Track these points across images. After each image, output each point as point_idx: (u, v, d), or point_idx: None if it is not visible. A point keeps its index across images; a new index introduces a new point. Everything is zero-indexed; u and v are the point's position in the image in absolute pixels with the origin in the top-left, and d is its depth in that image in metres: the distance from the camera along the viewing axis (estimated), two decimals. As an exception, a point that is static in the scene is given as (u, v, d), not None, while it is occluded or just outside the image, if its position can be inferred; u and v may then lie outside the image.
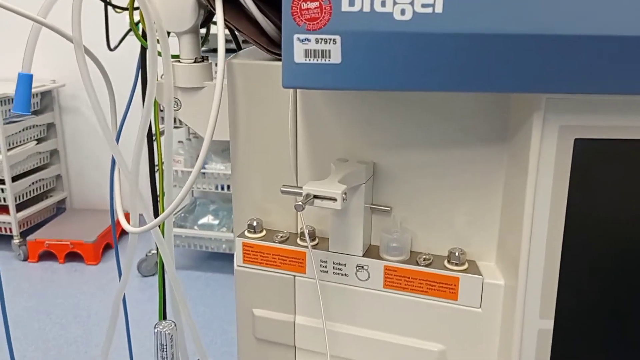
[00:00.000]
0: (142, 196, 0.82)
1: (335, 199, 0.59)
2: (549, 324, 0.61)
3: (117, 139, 0.86)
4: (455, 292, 0.67)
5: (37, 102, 3.32)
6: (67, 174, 3.57)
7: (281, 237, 0.74)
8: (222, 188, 3.00)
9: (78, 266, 3.14)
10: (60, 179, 3.55)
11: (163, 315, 1.02)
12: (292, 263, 0.73)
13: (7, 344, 1.09)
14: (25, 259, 3.16)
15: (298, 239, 0.74)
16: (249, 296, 0.77)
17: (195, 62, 0.77)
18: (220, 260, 3.20)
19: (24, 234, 3.19)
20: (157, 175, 1.05)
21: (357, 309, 0.72)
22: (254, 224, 0.75)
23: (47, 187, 3.46)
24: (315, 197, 0.60)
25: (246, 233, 0.76)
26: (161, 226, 0.87)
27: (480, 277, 0.66)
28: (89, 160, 3.56)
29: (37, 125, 3.32)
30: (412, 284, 0.69)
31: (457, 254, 0.67)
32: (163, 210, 0.86)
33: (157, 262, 3.08)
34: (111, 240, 3.31)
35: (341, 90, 0.68)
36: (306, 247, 0.72)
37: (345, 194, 0.59)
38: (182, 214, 3.21)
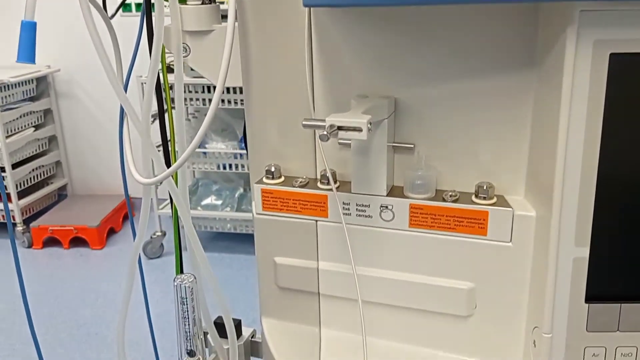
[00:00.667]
0: (153, 146, 0.79)
1: (360, 129, 0.57)
2: (585, 252, 0.59)
3: (125, 89, 0.84)
4: (484, 227, 0.65)
5: (32, 89, 3.28)
6: (66, 160, 3.54)
7: (300, 182, 0.72)
8: (224, 167, 2.97)
9: (83, 251, 3.13)
10: (60, 165, 3.52)
11: (180, 271, 0.99)
12: (314, 207, 0.71)
13: (28, 326, 1.07)
14: (30, 245, 3.14)
15: (318, 183, 0.72)
16: (269, 245, 0.75)
17: (203, 3, 0.74)
18: (226, 240, 3.18)
19: (26, 222, 3.16)
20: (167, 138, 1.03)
21: (383, 251, 0.70)
22: (272, 169, 0.73)
23: (47, 173, 3.44)
24: (340, 128, 0.57)
25: (264, 179, 0.73)
26: (174, 177, 0.84)
27: (511, 209, 0.64)
28: (87, 146, 3.53)
29: (34, 112, 3.29)
30: (438, 221, 0.67)
31: (485, 187, 0.65)
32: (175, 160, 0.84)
33: (161, 244, 3.07)
34: (115, 225, 3.30)
35: (360, 21, 0.65)
36: (329, 189, 0.70)
37: (370, 123, 0.57)
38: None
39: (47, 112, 3.40)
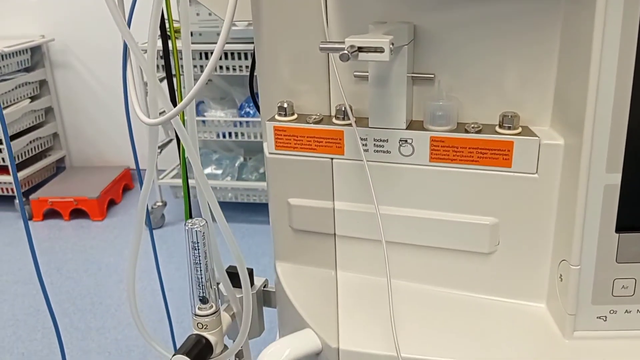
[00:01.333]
0: (159, 86, 0.76)
1: (382, 50, 0.53)
2: (616, 178, 0.57)
3: (129, 23, 0.80)
4: (509, 159, 0.63)
5: (27, 59, 3.22)
6: (63, 132, 3.50)
7: (315, 118, 0.69)
8: (224, 136, 2.93)
9: (84, 222, 3.11)
10: (57, 137, 3.48)
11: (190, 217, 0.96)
12: (329, 144, 0.68)
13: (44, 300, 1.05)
14: (30, 218, 3.12)
15: (333, 119, 0.69)
16: (283, 186, 0.72)
17: None
18: (227, 210, 3.15)
19: (25, 194, 3.14)
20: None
21: (402, 188, 0.68)
22: (285, 105, 0.70)
23: (44, 145, 3.40)
24: (360, 50, 0.54)
25: (276, 117, 0.70)
26: (181, 117, 0.81)
27: (537, 138, 0.62)
28: (84, 117, 3.49)
29: (29, 83, 3.24)
30: (461, 154, 0.64)
31: (510, 116, 0.62)
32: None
33: (162, 214, 3.05)
34: (115, 196, 3.27)
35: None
36: (346, 124, 0.67)
37: (392, 44, 0.54)
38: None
39: (43, 83, 3.35)
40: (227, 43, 2.73)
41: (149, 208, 3.02)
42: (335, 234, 0.72)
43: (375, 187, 0.68)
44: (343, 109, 0.67)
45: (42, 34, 3.27)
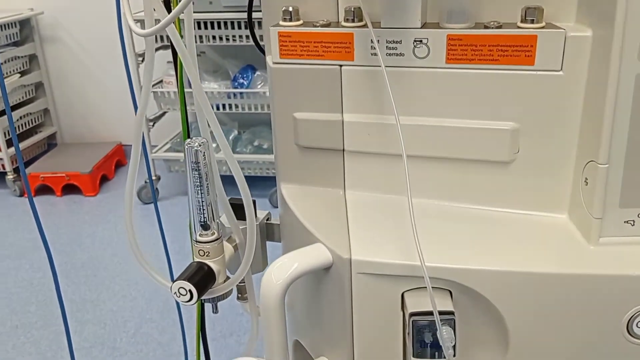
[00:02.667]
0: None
1: None
2: (649, 66, 0.53)
3: None
4: (531, 55, 0.59)
5: (16, 33, 3.15)
6: (54, 108, 3.44)
7: (322, 22, 0.65)
8: (217, 108, 2.88)
9: (76, 198, 3.06)
10: (48, 113, 3.42)
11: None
12: (338, 49, 0.64)
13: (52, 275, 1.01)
14: (21, 194, 3.06)
15: (342, 22, 0.65)
16: (288, 98, 0.68)
17: None
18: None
19: (17, 170, 3.08)
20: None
21: (416, 95, 0.64)
22: (290, 9, 0.65)
23: (35, 121, 3.34)
24: None
25: (281, 22, 0.66)
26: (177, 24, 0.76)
27: (563, 30, 0.58)
28: (75, 93, 3.43)
29: (18, 57, 3.17)
30: (480, 52, 0.60)
31: (533, 8, 0.58)
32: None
33: (157, 188, 3.00)
34: (108, 172, 3.22)
35: None
36: (356, 26, 0.63)
37: None
38: (178, 139, 3.11)
39: (33, 58, 3.29)
40: (219, 12, 2.67)
41: (143, 182, 2.97)
42: (344, 149, 0.68)
43: (386, 94, 0.64)
44: (353, 9, 0.63)
45: (31, 7, 3.19)
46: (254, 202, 0.85)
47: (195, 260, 0.74)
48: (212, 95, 2.86)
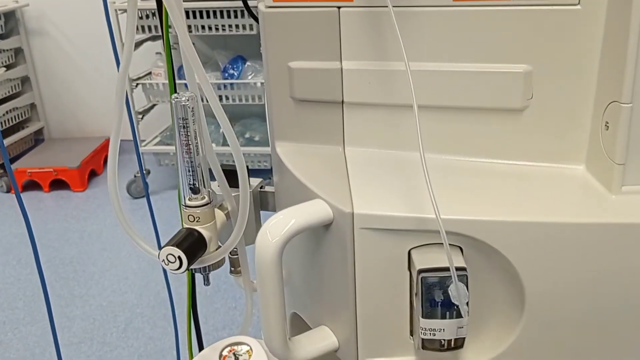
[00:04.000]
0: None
1: None
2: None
3: None
4: (545, -11, 0.54)
5: (1, 26, 3.09)
6: (41, 103, 3.37)
7: (318, -38, 0.60)
8: (207, 100, 2.83)
9: (64, 193, 3.00)
10: (35, 108, 3.35)
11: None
12: (336, -11, 0.59)
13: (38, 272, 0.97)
14: (8, 190, 3.00)
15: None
16: (282, 46, 0.63)
17: None
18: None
19: (2, 167, 3.01)
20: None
21: (421, 38, 0.59)
22: (284, -53, 0.60)
23: (22, 116, 3.27)
24: None
25: (274, -37, 0.61)
26: None
27: (580, -41, 0.53)
28: (62, 87, 3.36)
29: (4, 50, 3.10)
30: (489, -13, 0.55)
31: (547, -64, 0.54)
32: None
33: (146, 182, 2.94)
34: (96, 167, 3.16)
35: None
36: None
37: None
38: (168, 133, 3.05)
39: (18, 52, 3.22)
40: (208, 0, 2.62)
41: (132, 176, 2.92)
42: (343, 101, 0.63)
43: (388, 40, 0.59)
44: (351, -56, 0.58)
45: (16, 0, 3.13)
46: (248, 168, 0.80)
47: (184, 226, 0.69)
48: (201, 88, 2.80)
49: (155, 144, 2.95)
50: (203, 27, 2.67)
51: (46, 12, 3.20)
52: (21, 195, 3.04)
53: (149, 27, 2.73)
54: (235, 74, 2.80)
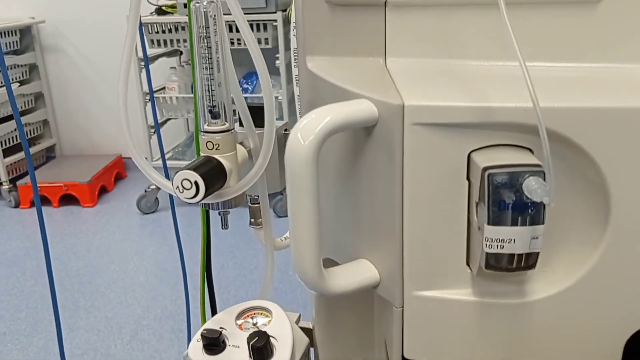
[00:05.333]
0: None
1: None
2: None
3: None
4: None
5: (16, 41, 3.08)
6: (54, 119, 3.33)
7: None
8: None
9: (74, 209, 2.93)
10: (47, 124, 3.31)
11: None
12: None
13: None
14: (17, 205, 2.93)
15: None
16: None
17: None
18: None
19: (12, 181, 2.96)
20: None
21: None
22: None
23: (34, 132, 3.23)
24: None
25: None
26: None
27: None
28: (76, 104, 3.33)
29: (18, 66, 3.09)
30: None
31: None
32: None
33: (156, 198, 2.86)
34: (107, 183, 3.09)
35: None
36: None
37: None
38: (180, 148, 3.00)
39: (33, 68, 3.20)
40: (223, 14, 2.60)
41: (143, 191, 2.85)
42: (386, 1, 0.55)
43: None
44: None
45: (32, 16, 3.13)
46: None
47: (201, 155, 0.61)
48: (216, 101, 2.76)
49: (168, 159, 2.88)
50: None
51: (62, 29, 3.19)
52: (30, 210, 2.96)
53: (165, 42, 2.71)
54: (250, 88, 2.76)
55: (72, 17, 3.15)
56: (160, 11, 2.70)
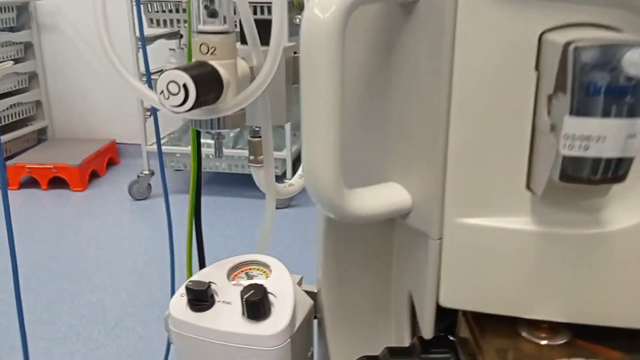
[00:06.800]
0: None
1: None
2: None
3: None
4: None
5: (12, 18, 2.97)
6: (47, 101, 3.22)
7: None
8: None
9: (63, 192, 2.81)
10: (40, 106, 3.20)
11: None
12: None
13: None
14: (4, 186, 2.81)
15: None
16: None
17: None
18: (218, 183, 2.88)
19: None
20: None
21: None
22: None
23: (26, 113, 3.12)
24: None
25: None
26: None
27: None
28: (71, 86, 3.22)
29: (13, 43, 2.98)
30: None
31: None
32: None
33: (149, 184, 2.75)
34: (99, 168, 2.98)
35: None
36: None
37: None
38: (175, 134, 2.89)
39: (28, 47, 3.10)
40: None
41: (135, 176, 2.74)
42: None
43: None
44: None
45: (30, -8, 3.03)
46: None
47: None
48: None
49: (162, 144, 2.77)
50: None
51: (61, 8, 3.09)
52: (18, 192, 2.84)
53: (165, 21, 2.61)
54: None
55: (72, -5, 3.05)
56: (161, -10, 2.60)
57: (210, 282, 0.58)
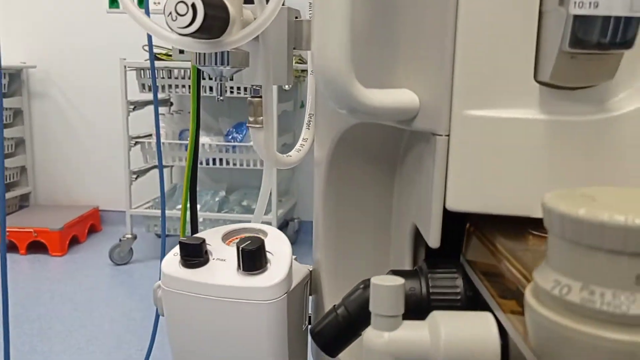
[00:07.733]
0: None
1: None
2: None
3: None
4: None
5: (5, 85, 3.02)
6: (32, 167, 3.21)
7: None
8: (208, 162, 2.68)
9: (42, 257, 2.74)
10: (25, 172, 3.19)
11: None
12: None
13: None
14: (-21, 250, 2.73)
15: None
16: None
17: None
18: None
19: (-21, 225, 2.78)
20: None
21: None
22: None
23: (10, 179, 3.10)
24: None
25: None
26: None
27: None
28: (56, 153, 3.22)
29: (3, 109, 3.00)
30: None
31: None
32: None
33: (130, 249, 2.69)
34: (79, 234, 2.92)
35: None
36: None
37: None
38: (160, 199, 2.87)
39: (18, 113, 3.13)
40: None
41: (117, 240, 2.68)
42: None
43: None
44: None
45: (24, 61, 3.09)
46: None
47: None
48: (203, 150, 2.67)
49: (146, 208, 2.75)
50: (211, 88, 2.59)
51: (52, 76, 3.15)
52: (-7, 254, 2.73)
53: (162, 87, 2.67)
54: (239, 137, 2.69)
55: (63, 64, 3.12)
56: (155, 58, 2.68)
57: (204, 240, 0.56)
